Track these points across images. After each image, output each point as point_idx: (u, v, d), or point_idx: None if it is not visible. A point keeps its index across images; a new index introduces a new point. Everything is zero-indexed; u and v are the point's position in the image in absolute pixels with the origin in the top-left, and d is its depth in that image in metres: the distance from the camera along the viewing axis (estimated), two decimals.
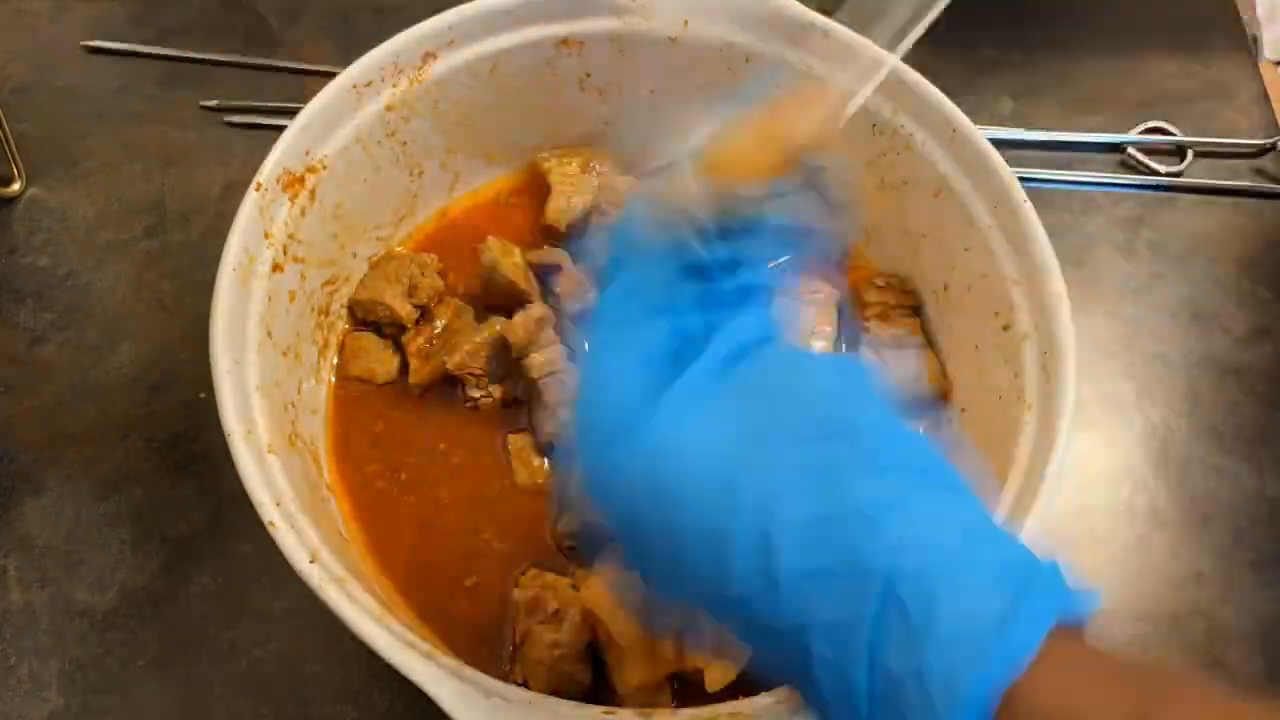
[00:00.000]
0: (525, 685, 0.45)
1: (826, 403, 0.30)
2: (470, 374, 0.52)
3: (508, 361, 0.53)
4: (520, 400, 0.54)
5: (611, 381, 0.32)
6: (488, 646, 0.47)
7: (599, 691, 0.46)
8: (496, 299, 0.55)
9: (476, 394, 0.53)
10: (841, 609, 0.27)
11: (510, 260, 0.55)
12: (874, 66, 0.41)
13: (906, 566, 0.27)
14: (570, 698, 0.41)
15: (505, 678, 0.45)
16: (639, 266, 0.34)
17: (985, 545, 0.28)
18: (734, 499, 0.29)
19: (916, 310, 0.57)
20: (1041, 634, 0.26)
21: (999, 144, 0.51)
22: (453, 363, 0.52)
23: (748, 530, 0.28)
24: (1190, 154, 0.69)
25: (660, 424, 0.30)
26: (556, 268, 0.56)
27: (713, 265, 0.33)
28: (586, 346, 0.34)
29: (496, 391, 0.53)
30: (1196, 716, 0.26)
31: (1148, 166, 0.69)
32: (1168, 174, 0.68)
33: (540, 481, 0.51)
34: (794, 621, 0.28)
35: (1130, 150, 0.69)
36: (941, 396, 0.54)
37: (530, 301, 0.54)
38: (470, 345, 0.52)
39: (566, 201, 0.58)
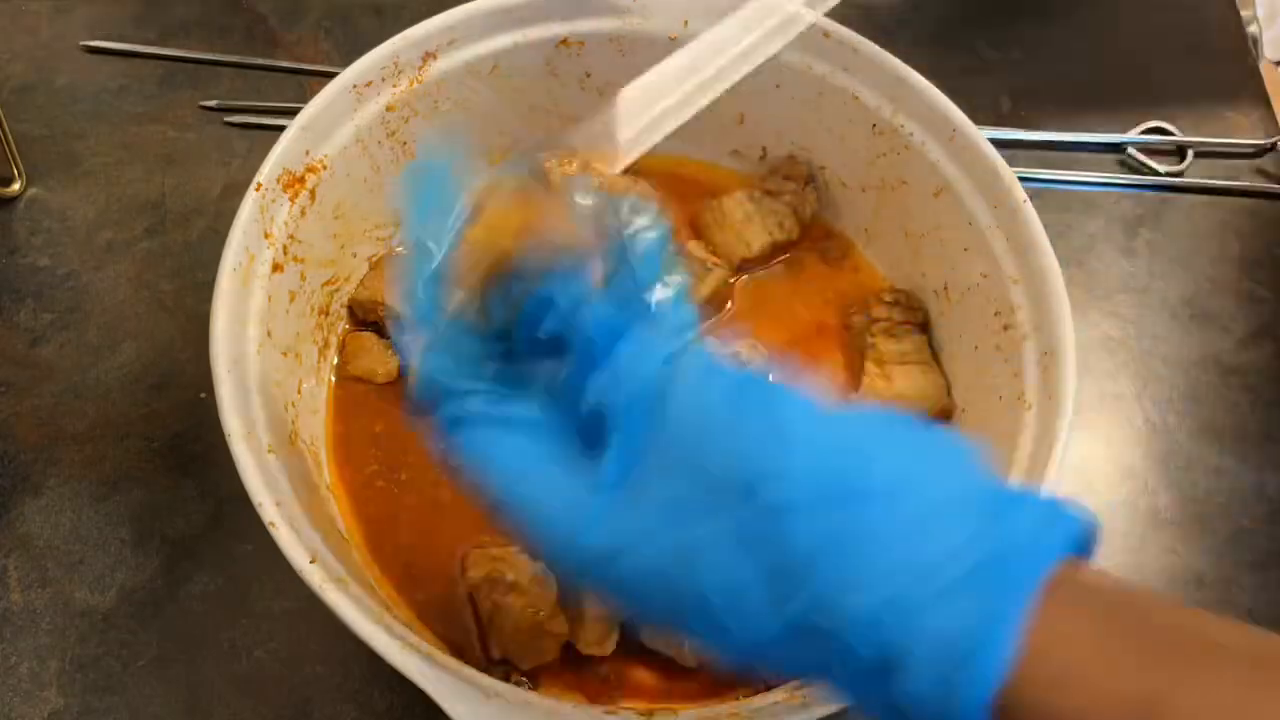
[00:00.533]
0: (508, 661, 0.46)
1: (733, 448, 0.29)
2: None
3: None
4: None
5: (526, 501, 0.31)
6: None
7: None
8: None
9: None
10: (815, 664, 0.28)
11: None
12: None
13: (859, 612, 0.26)
14: (550, 652, 0.43)
15: (487, 661, 0.46)
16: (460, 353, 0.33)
17: (936, 544, 0.27)
18: (677, 587, 0.29)
19: (923, 327, 0.57)
20: (1019, 623, 0.25)
21: (999, 144, 0.51)
22: None
23: (701, 619, 0.29)
24: (1190, 154, 0.69)
25: (600, 549, 0.30)
26: None
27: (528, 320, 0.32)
28: (474, 469, 0.32)
29: None
30: (1217, 704, 0.24)
31: (1148, 166, 0.69)
32: (1167, 174, 0.68)
33: None
34: (785, 670, 0.30)
35: (1130, 150, 0.69)
36: (945, 416, 0.54)
37: None
38: None
39: None
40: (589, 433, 0.31)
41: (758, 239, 0.57)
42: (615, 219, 0.34)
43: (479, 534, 0.50)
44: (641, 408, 0.30)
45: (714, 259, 0.57)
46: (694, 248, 0.57)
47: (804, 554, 0.27)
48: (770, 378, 0.31)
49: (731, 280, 0.58)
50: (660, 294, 0.33)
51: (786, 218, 0.58)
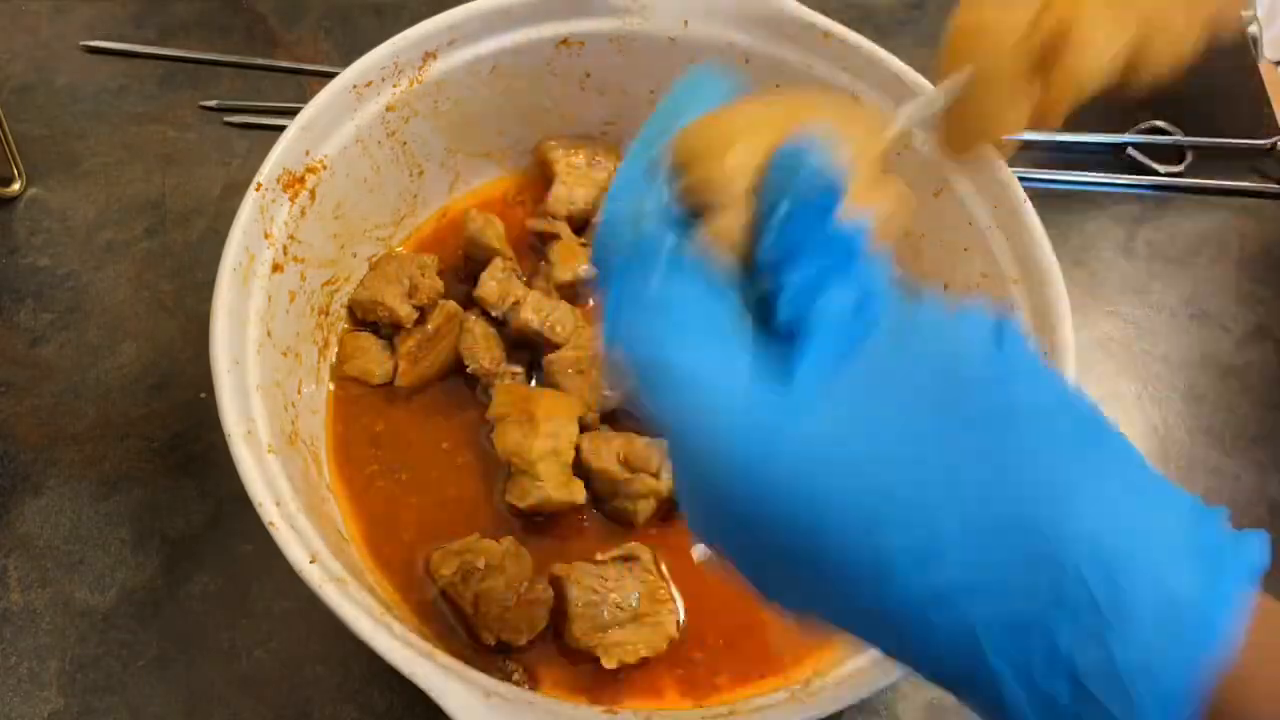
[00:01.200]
0: (505, 644, 0.46)
1: (983, 381, 0.26)
2: (492, 368, 0.53)
3: (509, 341, 0.54)
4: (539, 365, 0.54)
5: (702, 373, 0.27)
6: (489, 646, 0.47)
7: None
8: (477, 269, 0.55)
9: (504, 382, 0.53)
10: (1019, 609, 0.25)
11: (493, 230, 0.56)
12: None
13: (1088, 553, 0.24)
14: (541, 619, 0.44)
15: (484, 649, 0.46)
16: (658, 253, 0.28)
17: (1168, 514, 0.25)
18: (891, 499, 0.25)
19: None
20: (1243, 613, 0.24)
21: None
22: (474, 366, 0.53)
23: (911, 542, 0.25)
24: (1190, 154, 0.69)
25: (801, 427, 0.26)
26: (555, 236, 0.57)
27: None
28: (631, 338, 0.28)
29: (517, 369, 0.54)
30: None
31: (1148, 167, 0.69)
32: (1167, 174, 0.68)
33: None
34: (963, 627, 0.25)
35: (1130, 150, 0.69)
36: None
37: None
38: (479, 342, 0.53)
39: (569, 191, 0.58)
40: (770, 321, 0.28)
41: None
42: None
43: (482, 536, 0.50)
44: (855, 295, 0.27)
45: None
46: None
47: (1043, 495, 0.25)
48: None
49: None
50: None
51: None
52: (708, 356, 0.27)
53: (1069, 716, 0.24)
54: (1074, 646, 0.24)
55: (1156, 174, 0.68)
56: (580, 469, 0.50)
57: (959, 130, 0.40)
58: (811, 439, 0.26)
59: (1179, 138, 0.70)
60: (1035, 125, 0.38)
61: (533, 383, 0.54)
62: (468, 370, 0.53)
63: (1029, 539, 0.25)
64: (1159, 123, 0.70)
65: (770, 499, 0.26)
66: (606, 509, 0.51)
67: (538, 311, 0.53)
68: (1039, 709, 0.25)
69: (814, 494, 0.26)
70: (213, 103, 0.67)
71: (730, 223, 0.29)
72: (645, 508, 0.50)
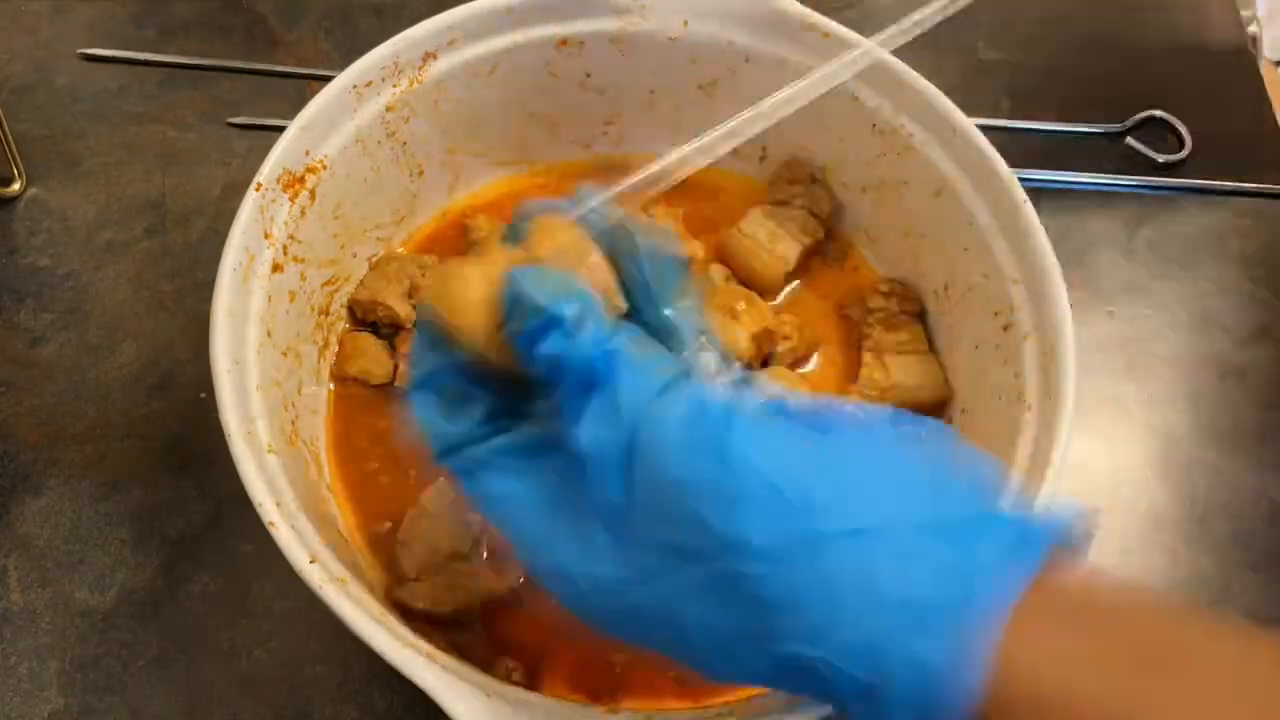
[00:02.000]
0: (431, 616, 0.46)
1: (696, 498, 0.28)
2: None
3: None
4: None
5: (547, 552, 0.33)
6: (489, 646, 0.47)
7: None
8: None
9: None
10: (808, 689, 0.29)
11: (499, 237, 0.55)
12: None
13: (835, 653, 0.27)
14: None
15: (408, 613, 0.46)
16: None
17: (909, 567, 0.27)
18: (669, 636, 0.30)
19: (920, 316, 0.57)
20: (990, 650, 0.26)
21: (997, 135, 0.51)
22: None
23: (693, 658, 0.31)
24: (1189, 142, 0.69)
25: (607, 587, 0.31)
26: None
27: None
28: (487, 513, 0.34)
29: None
30: (1201, 706, 0.25)
31: (1146, 156, 0.69)
32: (1166, 162, 0.68)
33: None
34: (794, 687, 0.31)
35: (1129, 140, 0.69)
36: (942, 404, 0.54)
37: None
38: None
39: None
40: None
41: (791, 250, 0.57)
42: (628, 240, 0.34)
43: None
44: (629, 447, 0.30)
45: (742, 300, 0.54)
46: (718, 277, 0.57)
47: (776, 602, 0.27)
48: (752, 406, 0.30)
49: (777, 302, 0.58)
50: (676, 315, 0.33)
51: (807, 220, 0.58)
52: (538, 533, 0.33)
53: None
54: (859, 716, 0.28)
55: (1155, 163, 0.68)
56: None
57: None
58: (610, 576, 0.31)
59: (1177, 126, 0.70)
60: None
61: None
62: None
63: (775, 653, 0.28)
64: (1157, 112, 0.70)
65: (603, 620, 0.33)
66: None
67: None
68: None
69: (620, 615, 0.32)
70: (240, 119, 0.66)
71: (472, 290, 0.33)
72: None
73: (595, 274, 0.33)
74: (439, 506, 0.48)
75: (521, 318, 0.31)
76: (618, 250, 0.34)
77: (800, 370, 0.56)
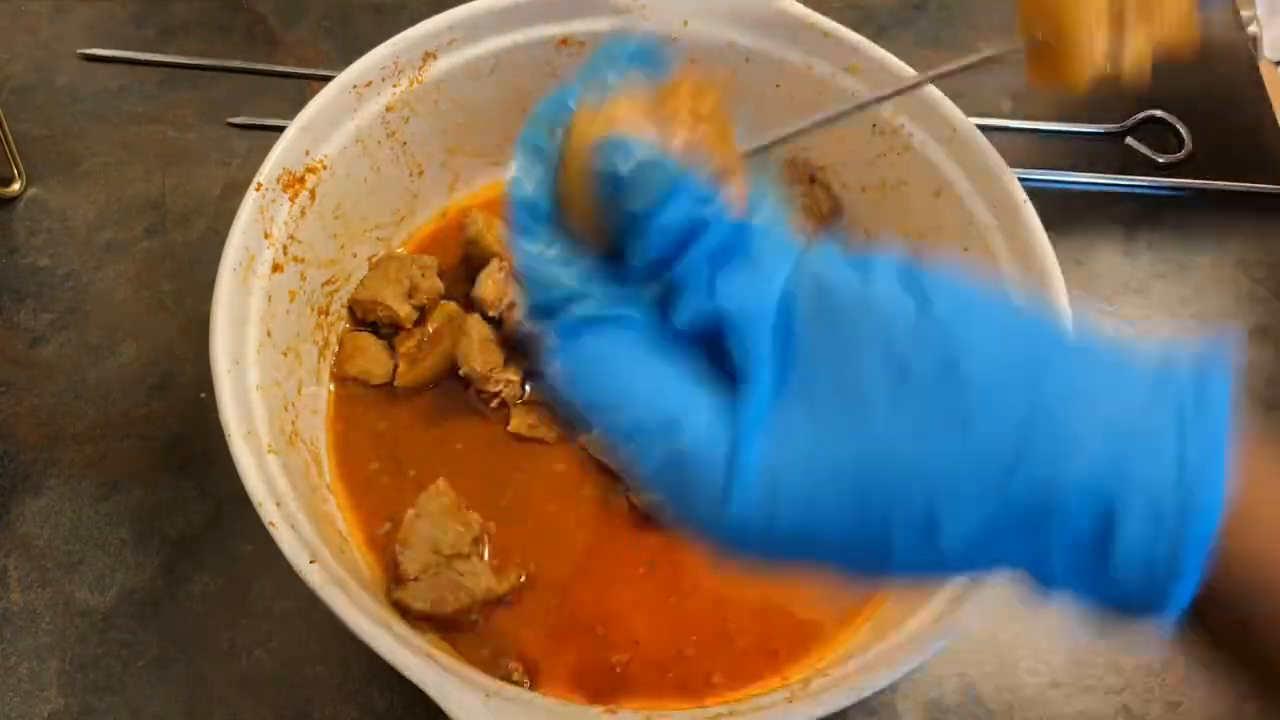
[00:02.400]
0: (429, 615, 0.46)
1: (916, 341, 0.26)
2: (484, 373, 0.53)
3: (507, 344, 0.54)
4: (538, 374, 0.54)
5: (673, 427, 0.27)
6: (489, 646, 0.47)
7: None
8: (476, 269, 0.55)
9: (497, 387, 0.53)
10: (1027, 549, 0.26)
11: (494, 235, 0.56)
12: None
13: (1076, 476, 0.25)
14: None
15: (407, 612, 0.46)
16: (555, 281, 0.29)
17: (1131, 388, 0.26)
18: (865, 508, 0.26)
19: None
20: (1230, 467, 0.25)
21: (996, 132, 0.51)
22: (466, 368, 0.52)
23: (903, 528, 0.26)
24: (1189, 142, 0.69)
25: (762, 466, 0.26)
26: None
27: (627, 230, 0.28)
28: (584, 404, 0.29)
29: (513, 374, 0.53)
30: None
31: (1146, 155, 0.69)
32: (1166, 162, 0.68)
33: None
34: (985, 568, 0.27)
35: (1129, 140, 0.69)
36: None
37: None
38: (475, 345, 0.53)
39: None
40: (698, 348, 0.28)
41: None
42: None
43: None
44: (786, 310, 0.27)
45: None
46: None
47: (1014, 428, 0.25)
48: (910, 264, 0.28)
49: None
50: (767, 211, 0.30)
51: (806, 220, 0.58)
52: (663, 406, 0.27)
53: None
54: (1080, 574, 0.26)
55: (1155, 163, 0.69)
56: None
57: (1047, 71, 0.45)
58: (784, 468, 0.26)
59: (1178, 126, 0.70)
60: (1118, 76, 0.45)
61: (527, 389, 0.54)
62: (460, 372, 0.53)
63: (1019, 495, 0.25)
64: (1157, 112, 0.70)
65: (774, 536, 0.27)
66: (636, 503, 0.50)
67: None
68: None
69: (787, 499, 0.26)
70: (240, 119, 0.66)
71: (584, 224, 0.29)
72: None
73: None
74: (439, 507, 0.48)
75: (641, 185, 0.28)
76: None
77: None
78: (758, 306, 0.27)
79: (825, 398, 0.27)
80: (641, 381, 0.28)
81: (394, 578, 0.47)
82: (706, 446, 0.27)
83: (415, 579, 0.46)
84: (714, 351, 0.28)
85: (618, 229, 0.29)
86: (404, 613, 0.46)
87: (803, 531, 0.27)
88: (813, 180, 0.59)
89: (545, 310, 0.29)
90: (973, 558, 0.27)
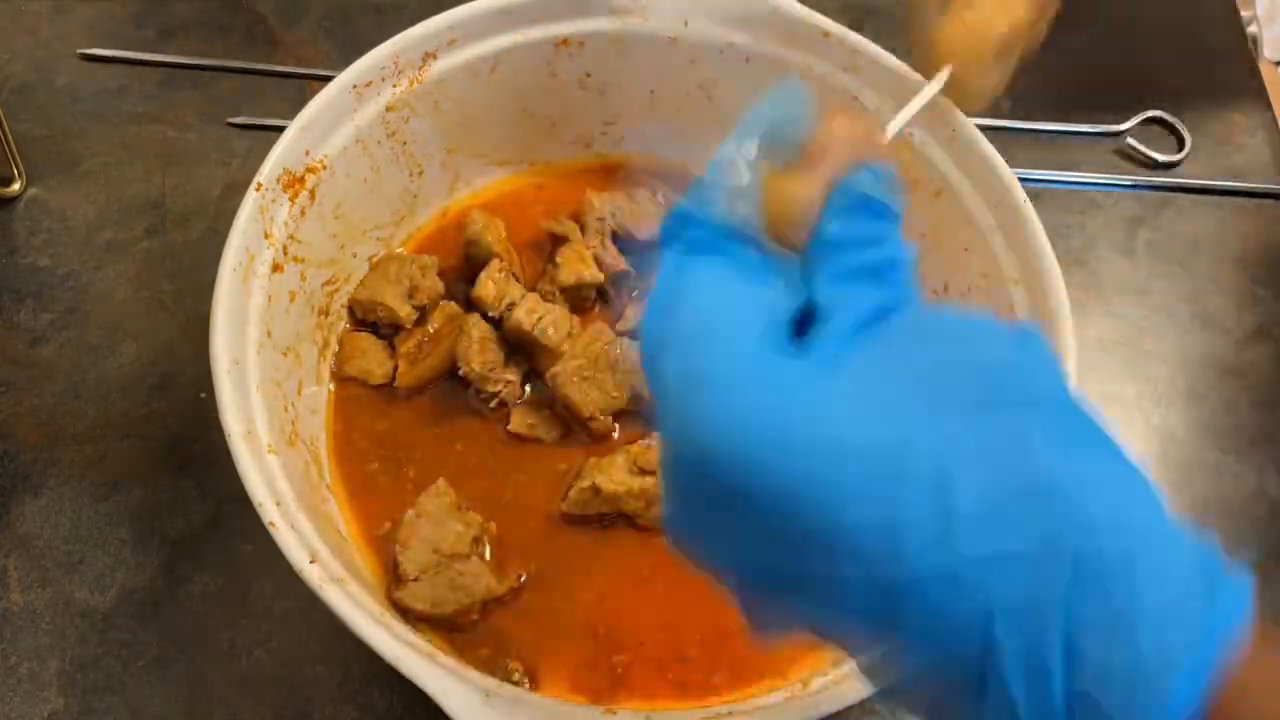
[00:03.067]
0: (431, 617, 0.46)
1: (1004, 369, 0.27)
2: (483, 373, 0.53)
3: (507, 344, 0.54)
4: (538, 374, 0.54)
5: (725, 323, 0.27)
6: (489, 646, 0.47)
7: None
8: (477, 269, 0.55)
9: (497, 388, 0.53)
10: (1032, 591, 0.24)
11: (494, 235, 0.56)
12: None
13: (1105, 547, 0.24)
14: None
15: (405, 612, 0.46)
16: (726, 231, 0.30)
17: (1175, 529, 0.26)
18: (906, 470, 0.25)
19: None
20: (1242, 625, 0.24)
21: (996, 133, 0.51)
22: (465, 368, 0.52)
23: (924, 505, 0.24)
24: (1189, 142, 0.69)
25: (810, 383, 0.26)
26: (565, 239, 0.56)
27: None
28: (673, 273, 0.29)
29: (513, 374, 0.53)
30: None
31: (1146, 155, 0.69)
32: (1166, 162, 0.68)
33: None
34: (973, 606, 0.24)
35: (1129, 139, 0.69)
36: None
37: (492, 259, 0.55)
38: (474, 345, 0.53)
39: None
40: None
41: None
42: None
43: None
44: (883, 303, 0.28)
45: None
46: None
47: (1061, 479, 0.25)
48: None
49: None
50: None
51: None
52: (738, 307, 0.28)
53: (1081, 708, 0.24)
54: (1086, 634, 0.24)
55: (1155, 163, 0.69)
56: (600, 500, 0.50)
57: (956, 97, 0.50)
58: (825, 406, 0.26)
59: (1177, 126, 0.70)
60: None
61: (527, 389, 0.54)
62: (459, 373, 0.53)
63: (1048, 522, 0.24)
64: (1157, 112, 0.70)
65: (777, 465, 0.25)
66: (643, 522, 0.50)
67: (530, 313, 0.53)
68: (1058, 696, 0.24)
69: (827, 463, 0.25)
70: (240, 119, 0.66)
71: (802, 189, 0.31)
72: None
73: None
74: (438, 507, 0.48)
75: (853, 213, 0.29)
76: None
77: None
78: (871, 301, 0.28)
79: (897, 374, 0.27)
80: (740, 276, 0.29)
81: (394, 578, 0.47)
82: (765, 370, 0.26)
83: (415, 579, 0.46)
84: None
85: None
86: (404, 613, 0.46)
87: (808, 482, 0.25)
88: None
89: (679, 224, 0.30)
90: (968, 590, 0.25)
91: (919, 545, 0.24)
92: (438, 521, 0.48)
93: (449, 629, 0.47)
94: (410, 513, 0.48)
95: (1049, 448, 0.25)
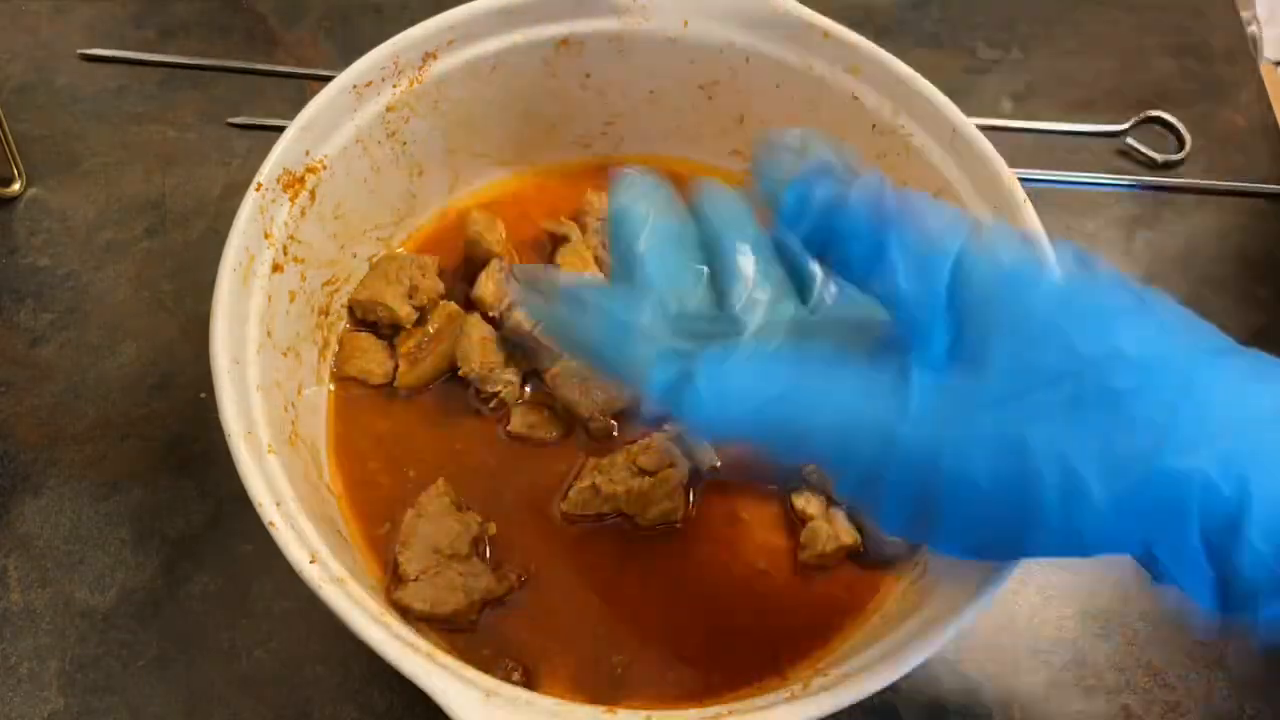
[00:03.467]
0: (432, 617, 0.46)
1: (1065, 320, 0.29)
2: (483, 373, 0.52)
3: (508, 345, 0.54)
4: (538, 374, 0.54)
5: (838, 412, 0.31)
6: (489, 646, 0.47)
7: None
8: (477, 269, 0.55)
9: (497, 388, 0.53)
10: (1162, 526, 0.28)
11: (494, 235, 0.56)
12: None
13: (1211, 461, 0.27)
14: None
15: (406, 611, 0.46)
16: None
17: (1258, 393, 0.28)
18: (1024, 464, 0.28)
19: None
20: None
21: (996, 132, 0.51)
22: (465, 368, 0.52)
23: (1051, 489, 0.28)
24: (1189, 142, 0.69)
25: (920, 429, 0.30)
26: (565, 239, 0.56)
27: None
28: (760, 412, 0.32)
29: (513, 374, 0.53)
30: None
31: (1146, 155, 0.69)
32: (1165, 163, 0.68)
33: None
34: (1114, 547, 0.29)
35: (1129, 140, 0.69)
36: None
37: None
38: (474, 345, 0.53)
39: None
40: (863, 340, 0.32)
41: None
42: None
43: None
44: (949, 294, 0.30)
45: None
46: None
47: (1149, 416, 0.28)
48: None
49: None
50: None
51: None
52: (827, 396, 0.31)
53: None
54: (1193, 564, 0.28)
55: (1155, 163, 0.69)
56: (600, 500, 0.50)
57: None
58: (936, 425, 0.29)
59: (1177, 125, 0.70)
60: None
61: (527, 389, 0.54)
62: (459, 373, 0.53)
63: (1154, 466, 0.27)
64: (1157, 112, 0.70)
65: (906, 479, 0.30)
66: (643, 522, 0.50)
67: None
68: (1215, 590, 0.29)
69: (947, 468, 0.29)
70: (240, 119, 0.66)
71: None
72: (680, 499, 0.50)
73: None
74: (439, 507, 0.48)
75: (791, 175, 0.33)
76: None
77: None
78: (933, 289, 0.30)
79: (998, 373, 0.29)
80: (809, 380, 0.31)
81: (394, 577, 0.47)
82: (876, 417, 0.30)
83: (415, 579, 0.46)
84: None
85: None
86: (404, 613, 0.46)
87: (951, 485, 0.29)
88: None
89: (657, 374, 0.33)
90: (1104, 535, 0.29)
91: (1050, 524, 0.29)
92: (438, 521, 0.48)
93: (449, 629, 0.47)
94: (410, 513, 0.48)
95: (1137, 393, 0.28)
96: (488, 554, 0.49)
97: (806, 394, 0.31)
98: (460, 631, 0.47)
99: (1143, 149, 0.69)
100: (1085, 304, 0.30)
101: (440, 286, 0.55)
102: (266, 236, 0.48)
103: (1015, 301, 0.30)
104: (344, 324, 0.56)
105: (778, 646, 0.48)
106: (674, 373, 0.32)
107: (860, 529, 0.49)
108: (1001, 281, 0.30)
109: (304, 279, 0.51)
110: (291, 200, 0.49)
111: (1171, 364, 0.28)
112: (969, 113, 0.51)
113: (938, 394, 0.30)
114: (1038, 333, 0.29)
